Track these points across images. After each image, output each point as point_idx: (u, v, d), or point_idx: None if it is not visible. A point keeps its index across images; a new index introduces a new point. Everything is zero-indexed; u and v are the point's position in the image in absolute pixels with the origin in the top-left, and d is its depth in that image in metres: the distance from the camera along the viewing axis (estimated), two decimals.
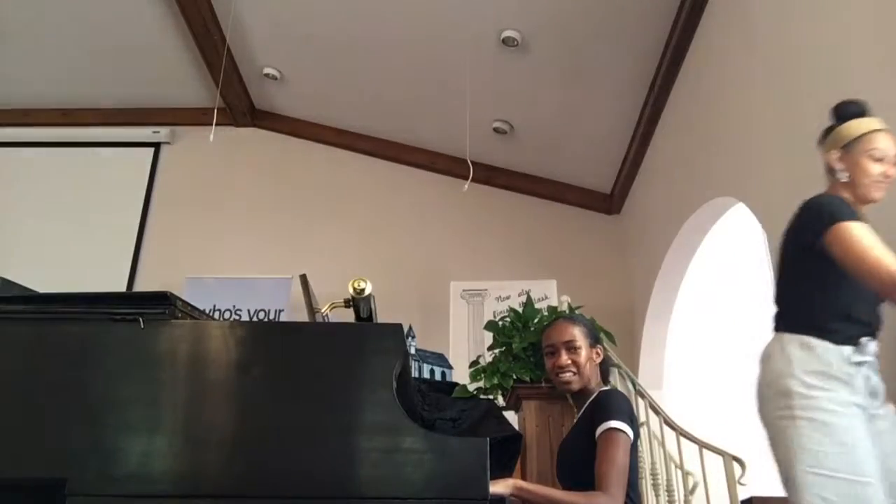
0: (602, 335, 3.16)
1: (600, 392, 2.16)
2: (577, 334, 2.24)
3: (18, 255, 5.64)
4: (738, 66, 3.57)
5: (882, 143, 2.05)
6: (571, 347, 2.21)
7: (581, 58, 4.75)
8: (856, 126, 2.10)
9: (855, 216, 1.94)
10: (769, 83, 3.20)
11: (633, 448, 2.03)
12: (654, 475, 3.38)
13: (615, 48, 4.60)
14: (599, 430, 1.99)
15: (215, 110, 5.11)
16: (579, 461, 2.02)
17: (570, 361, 2.20)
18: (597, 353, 2.26)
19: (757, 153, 3.33)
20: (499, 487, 1.81)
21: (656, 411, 3.56)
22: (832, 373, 1.87)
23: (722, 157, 3.76)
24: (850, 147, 2.08)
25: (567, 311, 3.42)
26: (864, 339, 1.90)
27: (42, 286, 1.79)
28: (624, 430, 1.98)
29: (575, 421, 2.23)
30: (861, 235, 1.89)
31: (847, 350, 1.89)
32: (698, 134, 4.17)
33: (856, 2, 2.55)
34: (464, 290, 5.29)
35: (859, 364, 1.88)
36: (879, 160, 2.04)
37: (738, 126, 3.57)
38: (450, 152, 5.89)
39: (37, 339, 1.54)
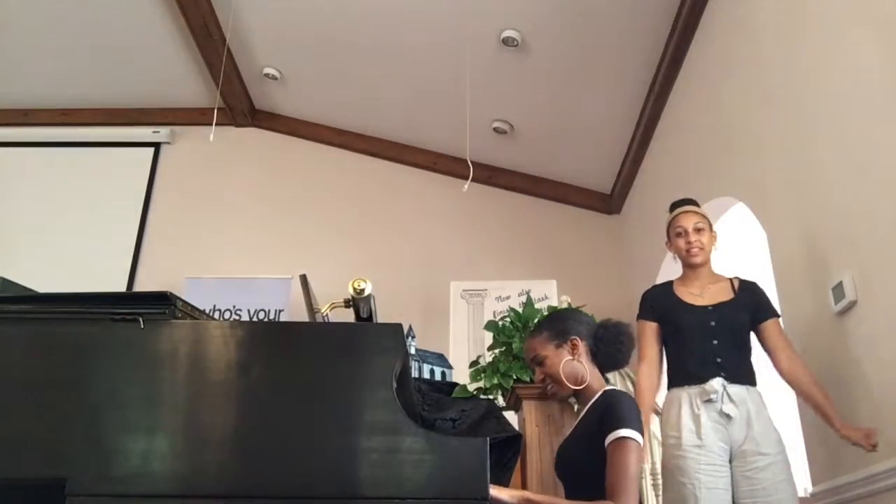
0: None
1: (605, 393, 2.05)
2: (537, 346, 2.13)
3: (19, 254, 5.63)
4: (738, 66, 3.57)
5: (680, 221, 2.68)
6: (538, 362, 2.13)
7: (581, 58, 4.75)
8: (667, 218, 2.75)
9: (647, 314, 2.67)
10: (769, 83, 3.20)
11: None
12: (654, 475, 3.38)
13: (615, 48, 4.60)
14: (610, 437, 1.90)
15: (215, 110, 5.11)
16: (583, 463, 1.97)
17: (542, 377, 2.13)
18: (572, 347, 2.09)
19: (757, 153, 3.33)
20: (504, 496, 1.79)
21: (656, 411, 3.56)
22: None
23: (722, 157, 3.76)
24: (668, 235, 2.74)
25: None
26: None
27: (42, 286, 1.79)
28: (636, 438, 1.90)
29: (577, 420, 2.15)
30: (640, 335, 2.64)
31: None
32: (698, 134, 4.17)
33: (856, 2, 2.55)
34: (464, 290, 5.29)
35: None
36: (680, 235, 2.67)
37: (738, 126, 3.57)
38: (450, 152, 5.88)
39: (37, 339, 1.54)
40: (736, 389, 2.43)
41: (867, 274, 2.41)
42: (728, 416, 2.40)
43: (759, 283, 2.69)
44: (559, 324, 2.16)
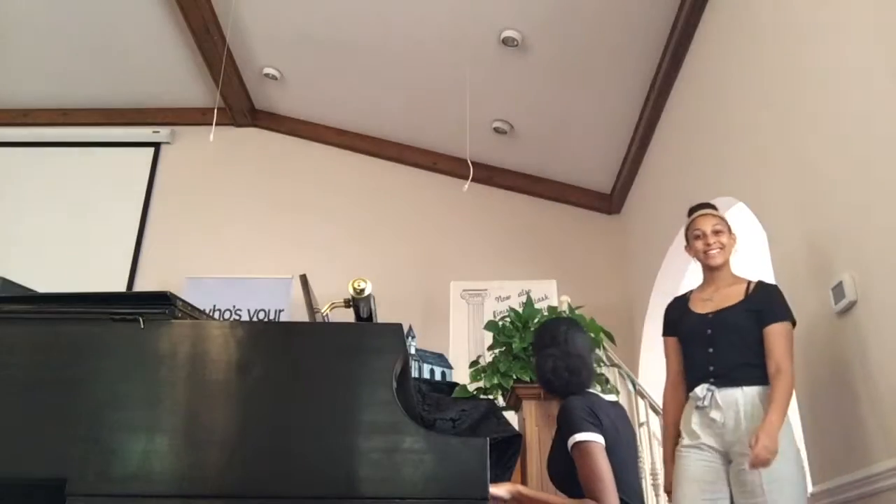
0: (601, 335, 3.17)
1: (564, 402, 2.16)
2: None
3: (18, 254, 5.63)
4: (738, 66, 3.57)
5: (698, 224, 2.69)
6: None
7: (581, 58, 4.75)
8: (687, 222, 2.76)
9: (666, 329, 2.72)
10: (769, 83, 3.20)
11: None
12: (654, 475, 3.38)
13: (615, 48, 4.60)
14: (570, 445, 2.03)
15: (215, 110, 5.11)
16: (564, 469, 2.08)
17: None
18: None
19: (757, 153, 3.33)
20: (500, 490, 1.83)
21: (656, 411, 3.56)
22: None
23: (722, 157, 3.76)
24: (687, 239, 2.75)
25: (567, 311, 3.42)
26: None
27: (42, 286, 1.79)
28: (589, 439, 2.01)
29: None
30: (664, 351, 2.72)
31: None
32: (698, 134, 4.17)
33: (856, 2, 2.55)
34: (464, 290, 5.29)
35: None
36: (699, 238, 2.67)
37: (738, 126, 3.57)
38: (450, 152, 5.88)
39: (37, 339, 1.54)
40: (727, 393, 2.43)
41: (867, 274, 2.41)
42: (715, 421, 2.43)
43: (778, 287, 2.62)
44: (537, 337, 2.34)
